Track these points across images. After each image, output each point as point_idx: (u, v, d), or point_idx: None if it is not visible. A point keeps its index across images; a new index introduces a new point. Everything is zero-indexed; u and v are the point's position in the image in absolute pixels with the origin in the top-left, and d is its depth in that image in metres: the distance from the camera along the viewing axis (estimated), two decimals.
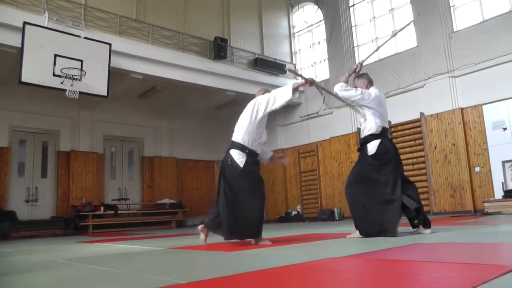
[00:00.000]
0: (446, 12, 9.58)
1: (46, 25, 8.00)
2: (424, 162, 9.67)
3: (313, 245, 3.70)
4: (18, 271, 2.90)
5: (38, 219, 10.28)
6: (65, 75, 7.91)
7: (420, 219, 4.20)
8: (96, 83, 8.41)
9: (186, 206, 12.80)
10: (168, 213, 12.26)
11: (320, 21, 12.94)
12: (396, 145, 10.85)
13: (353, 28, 11.74)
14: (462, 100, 9.16)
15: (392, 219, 3.96)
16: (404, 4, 10.67)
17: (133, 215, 11.92)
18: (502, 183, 8.32)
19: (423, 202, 10.11)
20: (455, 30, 9.45)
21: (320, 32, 12.97)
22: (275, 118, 13.30)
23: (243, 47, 11.95)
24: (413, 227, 4.33)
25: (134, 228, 11.18)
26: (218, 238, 4.18)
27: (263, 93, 4.51)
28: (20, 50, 7.55)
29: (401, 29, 4.90)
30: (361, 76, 4.89)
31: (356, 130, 10.86)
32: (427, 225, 4.20)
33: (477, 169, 8.81)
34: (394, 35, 5.16)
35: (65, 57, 8.02)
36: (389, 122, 10.31)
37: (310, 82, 4.35)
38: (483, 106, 8.81)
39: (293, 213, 12.20)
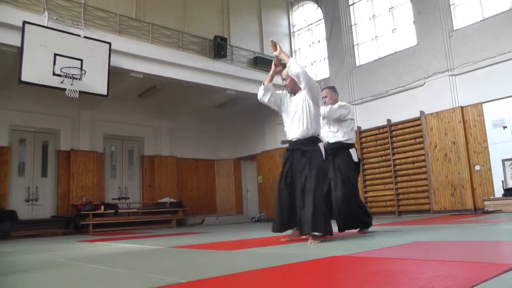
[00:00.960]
0: (446, 11, 9.57)
1: (46, 25, 7.99)
2: (424, 160, 9.67)
3: (312, 244, 3.69)
4: (18, 271, 2.90)
5: (38, 218, 10.29)
6: (65, 74, 7.91)
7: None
8: (96, 82, 8.41)
9: (187, 205, 12.80)
10: (168, 212, 12.27)
11: (320, 19, 12.94)
12: (397, 144, 10.88)
13: (353, 27, 11.73)
14: (462, 98, 9.16)
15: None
16: (404, 3, 10.66)
17: (134, 214, 11.92)
18: (502, 181, 8.33)
19: (423, 201, 10.15)
20: (455, 28, 9.44)
21: (320, 30, 12.96)
22: (276, 117, 13.30)
23: (243, 46, 11.94)
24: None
25: (134, 227, 11.18)
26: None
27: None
28: (20, 50, 7.54)
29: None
30: (333, 88, 4.90)
31: (356, 129, 10.86)
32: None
33: (477, 167, 8.82)
34: None
35: (65, 56, 8.02)
36: (389, 120, 10.37)
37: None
38: (483, 105, 8.81)
39: None
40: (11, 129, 10.54)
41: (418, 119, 9.87)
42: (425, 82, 9.78)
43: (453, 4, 9.58)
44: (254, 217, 13.54)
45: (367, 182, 10.77)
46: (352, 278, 1.90)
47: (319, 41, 13.02)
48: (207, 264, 2.74)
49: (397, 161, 10.27)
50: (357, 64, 11.42)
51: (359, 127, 10.97)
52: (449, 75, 9.34)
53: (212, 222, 12.57)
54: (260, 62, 11.83)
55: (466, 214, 8.11)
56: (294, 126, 3.98)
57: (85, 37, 8.45)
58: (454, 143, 9.14)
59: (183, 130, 14.06)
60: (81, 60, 8.19)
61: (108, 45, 8.61)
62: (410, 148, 10.08)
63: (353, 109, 11.20)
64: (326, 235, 3.74)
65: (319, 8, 12.93)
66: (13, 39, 7.64)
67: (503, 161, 8.41)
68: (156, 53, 9.69)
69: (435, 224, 5.65)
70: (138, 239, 6.21)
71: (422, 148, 9.75)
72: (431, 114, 9.58)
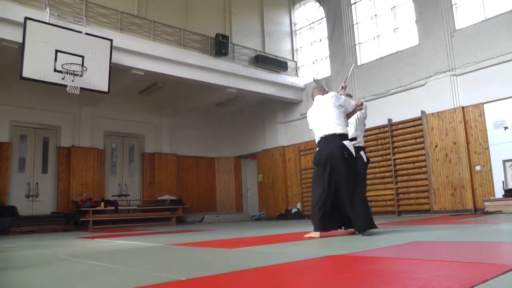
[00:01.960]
0: (448, 10, 9.55)
1: (47, 21, 7.99)
2: (424, 160, 9.67)
3: (312, 243, 3.70)
4: (18, 266, 2.91)
5: (38, 214, 10.31)
6: (66, 70, 7.90)
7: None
8: (97, 79, 8.40)
9: (186, 203, 12.82)
10: (168, 210, 12.29)
11: (322, 18, 12.91)
12: (397, 143, 10.87)
13: (355, 26, 11.71)
14: (463, 98, 9.14)
15: None
16: (406, 2, 10.64)
17: (133, 211, 11.94)
18: (503, 182, 8.32)
19: (423, 201, 10.15)
20: (457, 28, 9.42)
21: (322, 29, 12.94)
22: (276, 116, 13.31)
23: (244, 44, 11.93)
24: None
25: (134, 224, 11.20)
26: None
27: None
28: (21, 46, 7.54)
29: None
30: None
31: None
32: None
33: (477, 168, 8.81)
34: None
35: (66, 53, 8.01)
36: (390, 120, 10.36)
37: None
38: (484, 105, 8.79)
39: (293, 210, 12.21)
40: (12, 125, 10.55)
41: (419, 119, 9.86)
42: (426, 82, 9.76)
43: (455, 4, 9.56)
44: (254, 215, 13.56)
45: (367, 182, 10.73)
46: (351, 277, 1.90)
47: (320, 40, 13.00)
48: (206, 262, 2.74)
49: (397, 161, 10.26)
50: (359, 63, 11.40)
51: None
52: (451, 75, 9.32)
53: (212, 220, 12.59)
54: (262, 61, 11.82)
55: (466, 215, 8.11)
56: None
57: (86, 33, 8.44)
58: (454, 143, 9.13)
59: (183, 128, 14.06)
60: (83, 57, 8.19)
61: (109, 42, 8.60)
62: (411, 148, 10.07)
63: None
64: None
65: (321, 6, 12.91)
66: (14, 35, 7.64)
67: (504, 161, 8.40)
68: (157, 51, 9.68)
69: (435, 224, 5.65)
70: (138, 236, 6.22)
71: (423, 148, 9.74)
72: (432, 114, 9.57)
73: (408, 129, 10.16)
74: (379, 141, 10.69)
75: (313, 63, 13.17)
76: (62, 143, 11.32)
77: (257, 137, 13.90)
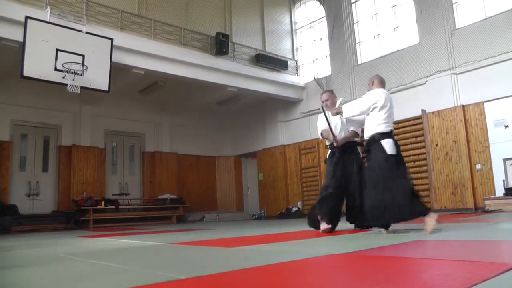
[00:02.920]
0: (448, 9, 9.54)
1: (48, 20, 7.99)
2: (425, 159, 9.66)
3: (313, 242, 3.71)
4: (19, 265, 2.91)
5: (39, 213, 10.32)
6: (66, 69, 7.90)
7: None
8: (98, 78, 8.40)
9: (187, 202, 12.81)
10: (168, 209, 12.29)
11: (322, 17, 12.90)
12: (398, 142, 10.88)
13: (355, 25, 11.70)
14: (464, 97, 9.13)
15: None
16: (406, 1, 10.63)
17: (134, 210, 11.94)
18: (503, 181, 8.32)
19: (424, 199, 10.13)
20: (457, 27, 9.41)
21: (322, 28, 12.93)
22: (276, 115, 13.31)
23: (244, 43, 11.92)
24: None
25: (134, 223, 11.20)
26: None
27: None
28: (22, 45, 7.54)
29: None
30: (332, 91, 5.31)
31: None
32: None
33: (478, 166, 8.80)
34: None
35: (67, 52, 8.01)
36: None
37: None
38: (485, 104, 8.78)
39: (294, 209, 12.21)
40: (13, 123, 10.56)
41: (419, 117, 9.85)
42: (426, 81, 9.75)
43: (456, 2, 9.55)
44: (254, 214, 13.56)
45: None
46: (352, 275, 1.91)
47: (321, 38, 12.99)
48: (207, 261, 2.74)
49: None
50: (359, 62, 11.39)
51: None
52: (451, 74, 9.31)
53: (212, 219, 12.59)
54: (262, 60, 11.81)
55: (466, 213, 8.11)
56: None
57: (87, 32, 8.44)
58: (455, 142, 9.13)
59: (184, 127, 14.07)
60: (83, 56, 8.19)
61: (110, 41, 8.60)
62: (411, 146, 10.06)
63: None
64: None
65: (321, 5, 12.89)
66: (15, 34, 7.64)
67: (504, 160, 8.40)
68: (158, 50, 9.68)
69: (436, 223, 5.64)
70: (138, 235, 6.22)
71: (423, 147, 9.73)
72: (433, 112, 9.56)
73: (408, 128, 10.15)
74: None
75: (314, 62, 13.16)
76: (62, 142, 11.33)
77: (257, 136, 13.90)
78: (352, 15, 11.77)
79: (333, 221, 4.58)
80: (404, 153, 10.47)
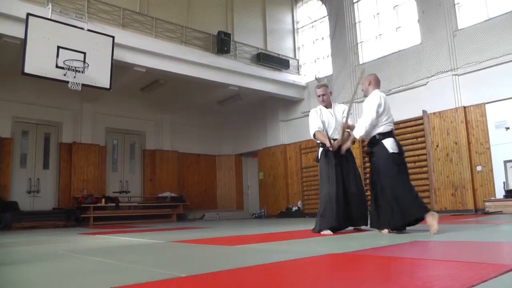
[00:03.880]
0: (451, 10, 9.53)
1: (49, 17, 7.99)
2: (425, 160, 9.66)
3: (312, 241, 3.71)
4: (19, 262, 2.92)
5: (39, 210, 10.33)
6: (68, 67, 7.91)
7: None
8: (99, 75, 8.41)
9: (187, 200, 12.83)
10: (169, 207, 12.30)
11: (324, 16, 12.89)
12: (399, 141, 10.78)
13: (357, 24, 11.69)
14: (465, 98, 9.12)
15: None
16: (408, 1, 10.62)
17: (134, 208, 11.96)
18: (504, 182, 8.31)
19: (424, 200, 10.12)
20: (459, 28, 9.40)
21: (324, 27, 12.92)
22: (277, 114, 13.30)
23: (246, 41, 11.92)
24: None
25: (135, 221, 11.22)
26: None
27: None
28: (23, 41, 7.55)
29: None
30: (327, 86, 5.26)
31: None
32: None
33: (478, 168, 8.80)
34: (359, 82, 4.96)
35: (68, 49, 8.02)
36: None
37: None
38: (486, 105, 8.77)
39: (294, 208, 12.22)
40: (14, 120, 10.57)
41: (420, 118, 9.85)
42: (428, 81, 9.74)
43: (458, 3, 9.53)
44: (254, 213, 13.57)
45: (368, 181, 10.73)
46: (350, 275, 1.91)
47: (322, 38, 12.98)
48: (206, 259, 2.75)
49: None
50: (361, 62, 11.38)
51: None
52: (453, 75, 9.30)
53: (212, 218, 12.60)
54: (263, 58, 11.81)
55: (466, 215, 8.11)
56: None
57: (88, 30, 8.44)
58: (456, 143, 9.12)
59: (185, 125, 14.07)
60: (84, 53, 8.19)
61: (111, 38, 8.60)
62: (412, 147, 10.05)
63: (355, 107, 11.19)
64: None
65: (323, 5, 12.88)
66: (16, 31, 7.64)
67: (505, 162, 8.39)
68: (159, 48, 9.68)
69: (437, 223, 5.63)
70: (138, 233, 6.23)
71: (424, 148, 9.73)
72: (434, 113, 9.56)
73: (409, 128, 10.14)
74: None
75: (315, 62, 13.16)
76: (63, 139, 11.34)
77: (258, 135, 13.90)
78: (354, 14, 11.76)
79: (341, 225, 4.56)
80: (404, 154, 10.49)
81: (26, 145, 10.90)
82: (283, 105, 13.07)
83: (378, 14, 11.34)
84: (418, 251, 2.80)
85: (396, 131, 10.52)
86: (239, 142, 14.70)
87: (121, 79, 9.79)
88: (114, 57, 8.62)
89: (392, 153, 4.08)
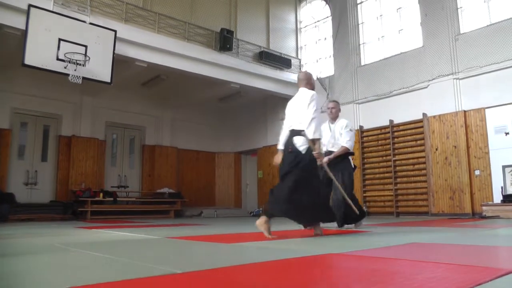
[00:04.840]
0: (453, 14, 9.52)
1: (51, 9, 7.97)
2: (424, 163, 9.67)
3: (309, 241, 3.71)
4: (15, 254, 2.91)
5: (37, 202, 10.31)
6: (68, 59, 7.90)
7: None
8: (100, 69, 8.39)
9: (185, 197, 12.82)
10: (167, 203, 12.29)
11: (327, 17, 12.88)
12: (398, 145, 10.89)
13: (360, 26, 11.68)
14: (466, 102, 9.13)
15: None
16: (411, 4, 10.61)
17: (132, 203, 11.95)
18: (502, 187, 8.32)
19: (422, 203, 10.14)
20: (461, 32, 9.39)
21: (327, 28, 12.91)
22: (278, 113, 13.29)
23: (249, 39, 11.91)
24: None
25: (132, 216, 11.21)
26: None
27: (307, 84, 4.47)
28: (24, 33, 7.53)
29: None
30: (338, 102, 5.69)
31: (358, 128, 10.85)
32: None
33: (477, 172, 8.81)
34: None
35: (70, 42, 8.00)
36: (392, 121, 10.35)
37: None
38: (486, 110, 8.78)
39: None
40: (13, 112, 10.55)
41: (420, 121, 9.85)
42: (429, 85, 9.74)
43: (461, 7, 9.53)
44: (252, 212, 13.56)
45: (366, 182, 10.76)
46: (346, 275, 1.91)
47: (325, 38, 12.98)
48: (203, 256, 2.74)
49: (397, 162, 10.26)
50: (362, 63, 11.38)
51: (361, 127, 10.96)
52: (454, 79, 9.30)
53: (210, 215, 12.60)
54: (266, 57, 11.80)
55: (464, 218, 8.12)
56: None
57: (90, 23, 8.42)
58: (455, 146, 9.13)
59: (185, 121, 14.06)
60: (86, 46, 8.18)
61: (113, 32, 8.59)
62: (411, 149, 10.07)
63: (356, 108, 11.20)
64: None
65: (327, 5, 12.87)
66: (17, 22, 7.62)
67: (504, 167, 8.40)
68: (161, 43, 9.66)
69: (433, 227, 5.65)
70: (135, 228, 6.22)
71: (423, 150, 9.73)
72: (434, 116, 9.56)
73: (409, 131, 10.15)
74: (379, 141, 10.69)
75: (317, 61, 13.15)
76: (62, 132, 11.32)
77: (258, 133, 13.89)
78: (357, 16, 11.75)
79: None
80: (403, 156, 10.55)
81: (24, 136, 10.88)
82: (284, 104, 12.84)
83: (381, 15, 11.34)
84: (414, 253, 2.80)
85: (396, 133, 10.63)
86: (239, 139, 14.69)
87: (122, 73, 9.78)
88: (115, 51, 8.61)
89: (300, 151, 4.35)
